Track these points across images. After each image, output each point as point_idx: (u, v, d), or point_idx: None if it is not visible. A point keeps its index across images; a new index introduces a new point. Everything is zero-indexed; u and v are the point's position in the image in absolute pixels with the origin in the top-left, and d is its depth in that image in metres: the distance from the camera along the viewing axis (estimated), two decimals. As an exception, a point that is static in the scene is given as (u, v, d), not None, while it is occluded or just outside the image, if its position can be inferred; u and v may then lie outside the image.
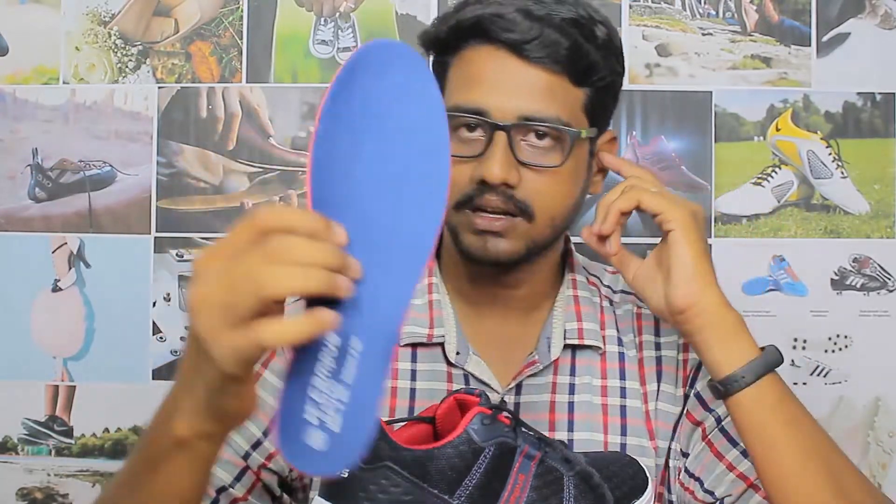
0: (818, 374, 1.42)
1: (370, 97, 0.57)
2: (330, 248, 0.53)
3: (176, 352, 1.45)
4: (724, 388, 0.78)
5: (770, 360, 0.78)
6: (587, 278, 0.98)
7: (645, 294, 0.85)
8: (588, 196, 0.93)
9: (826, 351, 1.42)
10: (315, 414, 0.54)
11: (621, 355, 0.93)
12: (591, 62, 0.85)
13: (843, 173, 1.43)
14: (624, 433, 0.90)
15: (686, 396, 0.92)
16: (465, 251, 0.87)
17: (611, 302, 0.98)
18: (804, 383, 1.42)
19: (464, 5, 0.88)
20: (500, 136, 0.82)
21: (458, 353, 0.90)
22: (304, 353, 0.55)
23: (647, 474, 0.81)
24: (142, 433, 0.67)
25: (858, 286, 1.42)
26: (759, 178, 1.43)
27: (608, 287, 1.00)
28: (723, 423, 0.88)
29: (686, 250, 0.80)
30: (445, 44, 0.88)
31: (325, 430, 0.54)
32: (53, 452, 1.47)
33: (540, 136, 0.84)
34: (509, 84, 0.83)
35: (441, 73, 0.89)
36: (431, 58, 0.91)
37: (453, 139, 0.85)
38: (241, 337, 0.51)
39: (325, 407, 0.54)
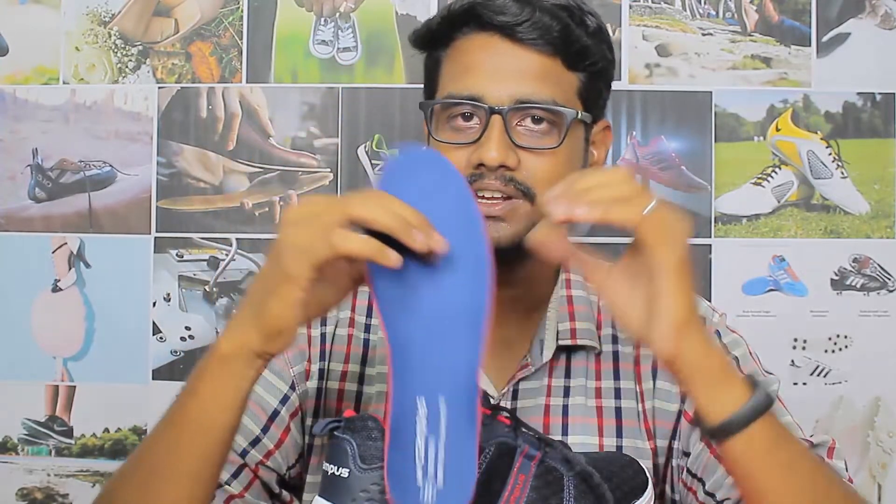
0: (818, 374, 1.42)
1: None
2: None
3: (175, 352, 1.45)
4: (715, 438, 0.71)
5: (759, 404, 0.69)
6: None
7: (625, 319, 0.70)
8: None
9: (826, 351, 1.42)
10: (421, 473, 0.64)
11: (616, 354, 0.92)
12: (583, 46, 0.86)
13: (843, 173, 1.43)
14: (619, 435, 0.89)
15: (683, 394, 0.90)
16: None
17: None
18: (804, 383, 1.42)
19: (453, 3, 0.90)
20: (496, 120, 0.83)
21: None
22: (403, 421, 0.65)
23: (648, 475, 0.81)
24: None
25: (858, 286, 1.42)
26: (759, 178, 1.43)
27: None
28: None
29: (679, 301, 0.66)
30: (437, 36, 0.89)
31: (433, 485, 0.64)
32: (53, 452, 1.47)
33: (536, 119, 0.85)
34: (503, 69, 0.85)
35: (434, 68, 0.90)
36: (424, 56, 0.92)
37: (448, 128, 0.87)
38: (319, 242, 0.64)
39: (429, 465, 0.64)
